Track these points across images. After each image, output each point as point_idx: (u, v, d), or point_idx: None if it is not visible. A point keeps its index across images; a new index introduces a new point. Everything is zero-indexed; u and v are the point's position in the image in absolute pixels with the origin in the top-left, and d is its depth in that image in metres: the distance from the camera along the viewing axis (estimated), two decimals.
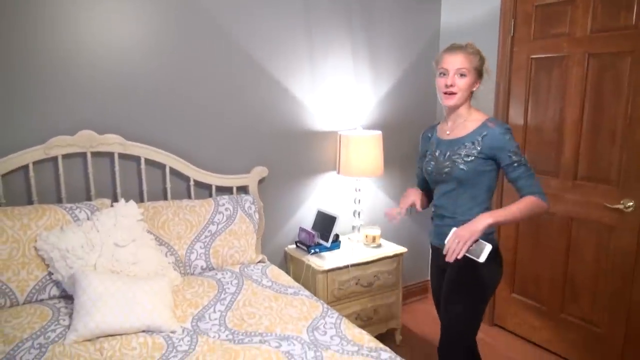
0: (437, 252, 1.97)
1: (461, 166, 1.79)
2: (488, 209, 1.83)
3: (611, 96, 2.40)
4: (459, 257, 1.61)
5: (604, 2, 2.38)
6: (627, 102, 2.33)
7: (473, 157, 1.77)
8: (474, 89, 1.84)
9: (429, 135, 2.02)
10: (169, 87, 2.42)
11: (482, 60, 1.83)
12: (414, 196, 1.98)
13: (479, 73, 1.82)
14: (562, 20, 2.57)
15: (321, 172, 2.99)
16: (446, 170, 1.83)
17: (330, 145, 2.98)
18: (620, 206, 2.39)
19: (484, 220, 1.64)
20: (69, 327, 1.74)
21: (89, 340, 1.69)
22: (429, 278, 2.93)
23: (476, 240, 1.62)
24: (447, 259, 1.63)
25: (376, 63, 3.09)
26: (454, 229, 1.66)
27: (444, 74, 1.81)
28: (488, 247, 1.60)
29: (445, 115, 1.94)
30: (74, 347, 1.63)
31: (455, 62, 1.78)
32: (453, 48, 1.82)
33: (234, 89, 2.60)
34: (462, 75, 1.78)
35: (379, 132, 2.86)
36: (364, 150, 2.77)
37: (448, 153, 1.85)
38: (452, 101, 1.81)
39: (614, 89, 2.39)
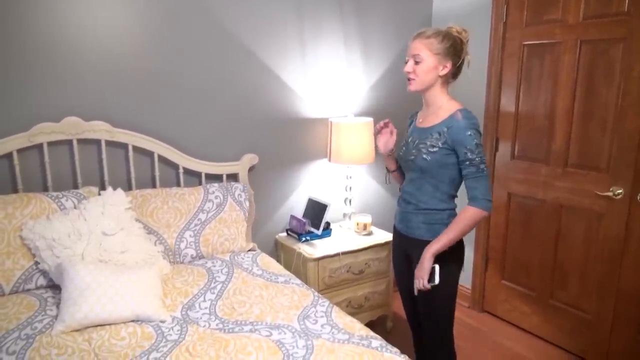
0: (399, 236, 2.00)
1: (424, 156, 1.78)
2: (452, 198, 1.84)
3: (603, 83, 2.39)
4: (425, 288, 1.77)
5: None
6: (619, 89, 2.33)
7: (437, 148, 1.75)
8: (442, 73, 1.76)
9: (411, 120, 2.01)
10: (158, 73, 2.38)
11: (446, 41, 1.73)
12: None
13: (444, 56, 1.74)
14: (554, 6, 2.55)
15: (312, 160, 2.97)
16: (411, 158, 1.83)
17: (321, 132, 2.95)
18: (610, 193, 2.40)
19: (427, 253, 1.75)
20: (56, 317, 1.71)
21: (77, 330, 1.67)
22: None
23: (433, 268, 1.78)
24: (416, 294, 1.84)
25: (368, 49, 3.05)
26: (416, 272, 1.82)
27: (407, 62, 1.80)
28: (436, 267, 1.76)
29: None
30: (61, 338, 1.61)
31: (412, 48, 1.77)
32: (414, 35, 1.78)
33: (224, 75, 2.56)
34: (416, 61, 1.76)
35: (371, 119, 2.83)
36: (355, 137, 2.75)
37: (417, 141, 1.83)
38: (411, 87, 1.81)
39: (605, 76, 2.38)
